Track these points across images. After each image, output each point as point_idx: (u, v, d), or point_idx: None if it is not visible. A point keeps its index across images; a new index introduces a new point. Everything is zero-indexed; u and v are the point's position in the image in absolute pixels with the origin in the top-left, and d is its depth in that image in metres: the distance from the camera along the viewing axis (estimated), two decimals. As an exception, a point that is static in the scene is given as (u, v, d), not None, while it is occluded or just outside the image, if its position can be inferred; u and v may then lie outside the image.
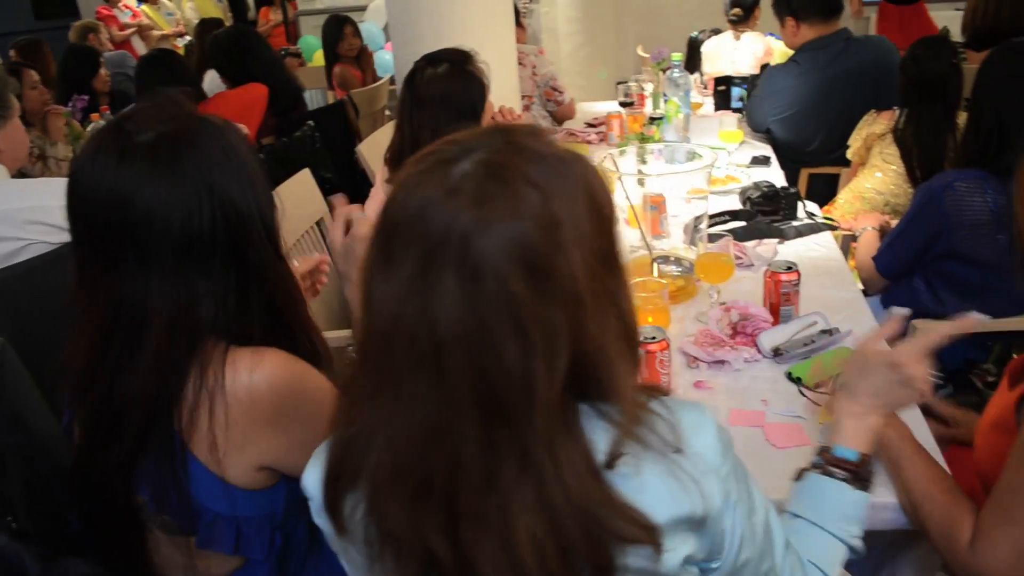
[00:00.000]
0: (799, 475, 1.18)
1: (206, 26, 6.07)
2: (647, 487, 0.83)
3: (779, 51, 4.14)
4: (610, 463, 0.82)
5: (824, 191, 3.34)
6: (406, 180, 0.82)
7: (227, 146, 1.17)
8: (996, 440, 1.29)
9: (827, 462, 1.16)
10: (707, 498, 0.86)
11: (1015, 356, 1.78)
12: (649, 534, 0.82)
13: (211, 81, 4.26)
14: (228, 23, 7.22)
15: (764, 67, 3.80)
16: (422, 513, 0.81)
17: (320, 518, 0.94)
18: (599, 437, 0.83)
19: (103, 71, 4.83)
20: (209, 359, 1.13)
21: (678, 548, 0.86)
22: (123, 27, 7.31)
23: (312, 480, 0.93)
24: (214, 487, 1.17)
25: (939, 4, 5.71)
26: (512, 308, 0.76)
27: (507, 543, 0.79)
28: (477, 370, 0.77)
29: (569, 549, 0.80)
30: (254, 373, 1.13)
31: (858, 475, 1.14)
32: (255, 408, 1.13)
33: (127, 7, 7.52)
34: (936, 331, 1.21)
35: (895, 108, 2.86)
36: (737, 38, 4.41)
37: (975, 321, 1.26)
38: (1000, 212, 1.93)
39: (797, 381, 1.67)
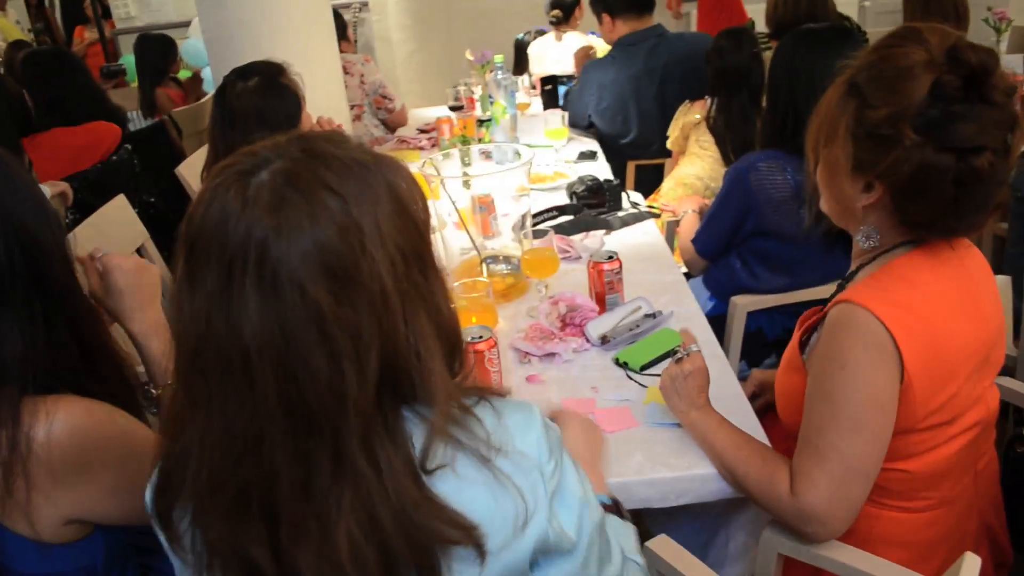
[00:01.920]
0: None
1: (14, 49, 5.67)
2: (465, 489, 0.83)
3: (602, 49, 4.26)
4: (423, 464, 0.82)
5: (652, 181, 3.46)
6: (204, 195, 0.81)
7: (8, 170, 1.10)
8: (789, 381, 1.39)
9: None
10: (529, 494, 0.85)
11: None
12: (468, 535, 0.82)
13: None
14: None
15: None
16: (241, 524, 0.81)
17: (156, 529, 0.91)
18: (418, 440, 0.83)
19: None
20: (3, 411, 1.04)
21: (506, 550, 0.85)
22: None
23: (148, 491, 0.91)
24: (20, 546, 1.08)
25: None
26: (315, 315, 0.76)
27: (326, 549, 0.79)
28: (285, 379, 0.77)
29: (390, 553, 0.80)
30: (52, 424, 1.05)
31: (618, 511, 1.15)
32: (55, 461, 1.06)
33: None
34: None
35: (707, 97, 3.00)
36: (559, 39, 4.50)
37: None
38: (800, 188, 2.05)
39: (624, 366, 1.72)
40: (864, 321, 1.21)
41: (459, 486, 0.83)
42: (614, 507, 1.14)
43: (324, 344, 0.76)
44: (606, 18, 3.53)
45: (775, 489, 1.28)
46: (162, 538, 0.91)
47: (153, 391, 1.35)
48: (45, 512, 1.08)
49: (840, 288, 1.37)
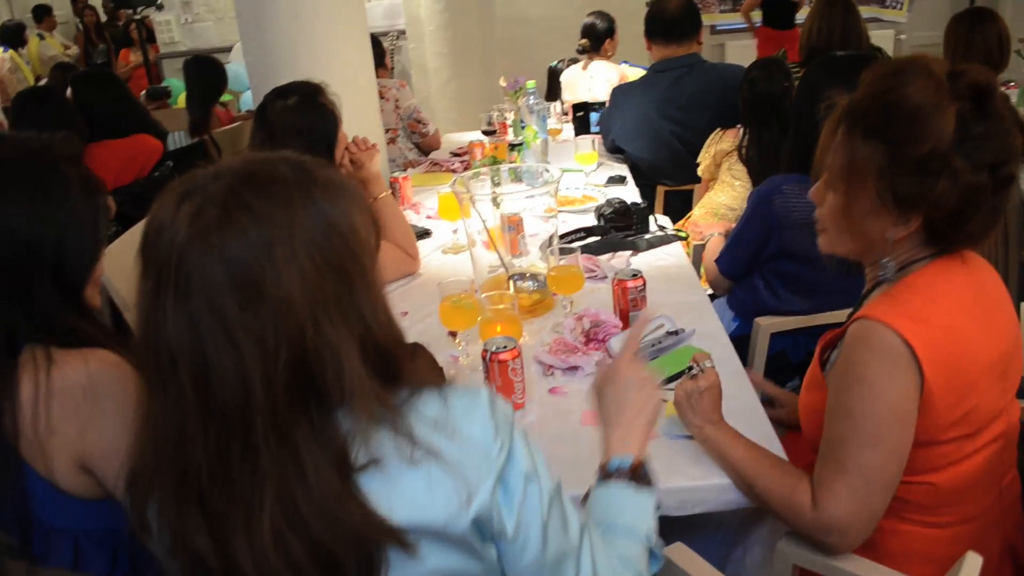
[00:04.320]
0: (585, 497, 1.19)
1: (62, 70, 5.86)
2: (397, 486, 0.89)
3: (633, 77, 4.31)
4: (352, 464, 0.89)
5: (680, 207, 3.50)
6: (160, 199, 0.89)
7: (66, 189, 1.24)
8: (811, 399, 1.42)
9: (604, 476, 1.17)
10: (473, 473, 0.91)
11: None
12: (392, 536, 0.88)
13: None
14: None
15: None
16: (184, 515, 0.88)
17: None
18: (351, 440, 0.89)
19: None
20: (32, 362, 1.16)
21: (440, 547, 0.92)
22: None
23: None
24: (47, 496, 1.16)
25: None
26: (221, 321, 0.84)
27: (254, 541, 0.86)
28: (200, 381, 0.85)
29: (320, 546, 0.86)
30: (77, 367, 1.17)
31: (635, 477, 1.15)
32: (67, 396, 1.16)
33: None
34: (629, 336, 1.30)
35: (739, 127, 3.03)
36: (585, 67, 4.55)
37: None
38: (823, 212, 2.07)
39: (646, 380, 1.75)
40: (881, 335, 1.24)
41: (390, 483, 0.89)
42: (628, 472, 1.15)
43: (230, 349, 0.84)
44: (647, 42, 3.61)
45: (796, 501, 1.30)
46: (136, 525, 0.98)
47: None
48: (56, 450, 1.16)
49: (857, 307, 1.40)
